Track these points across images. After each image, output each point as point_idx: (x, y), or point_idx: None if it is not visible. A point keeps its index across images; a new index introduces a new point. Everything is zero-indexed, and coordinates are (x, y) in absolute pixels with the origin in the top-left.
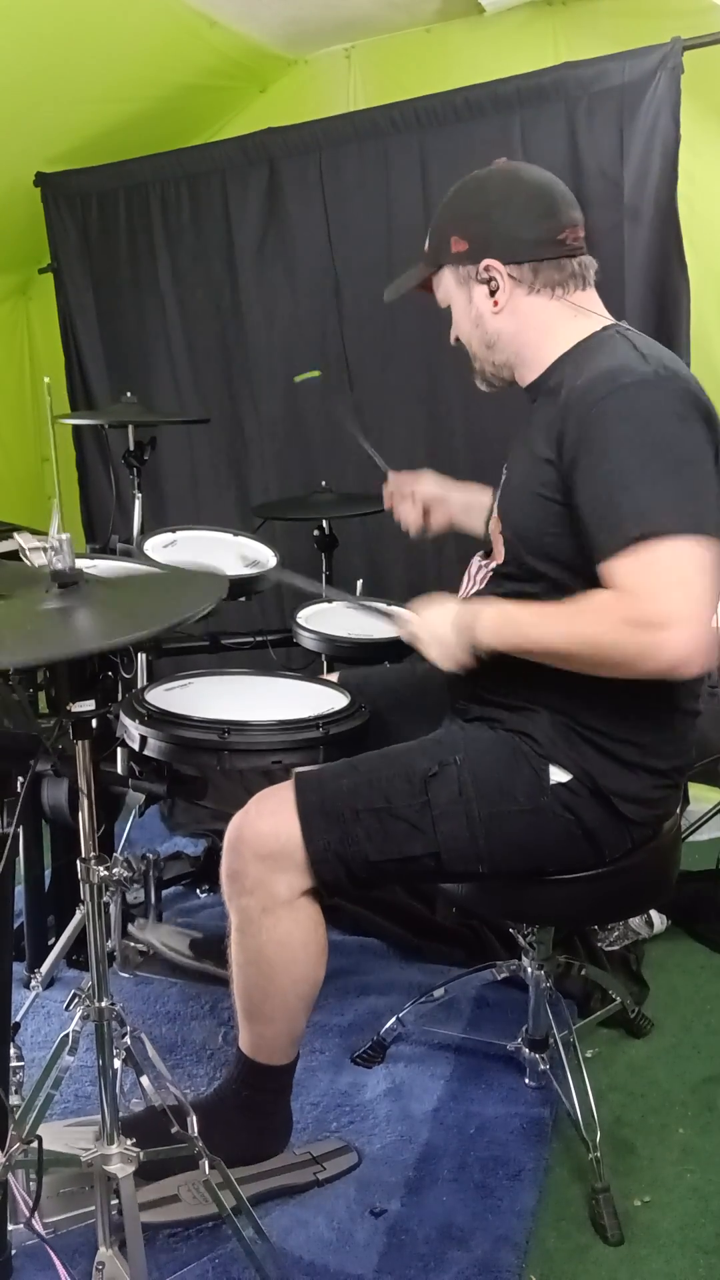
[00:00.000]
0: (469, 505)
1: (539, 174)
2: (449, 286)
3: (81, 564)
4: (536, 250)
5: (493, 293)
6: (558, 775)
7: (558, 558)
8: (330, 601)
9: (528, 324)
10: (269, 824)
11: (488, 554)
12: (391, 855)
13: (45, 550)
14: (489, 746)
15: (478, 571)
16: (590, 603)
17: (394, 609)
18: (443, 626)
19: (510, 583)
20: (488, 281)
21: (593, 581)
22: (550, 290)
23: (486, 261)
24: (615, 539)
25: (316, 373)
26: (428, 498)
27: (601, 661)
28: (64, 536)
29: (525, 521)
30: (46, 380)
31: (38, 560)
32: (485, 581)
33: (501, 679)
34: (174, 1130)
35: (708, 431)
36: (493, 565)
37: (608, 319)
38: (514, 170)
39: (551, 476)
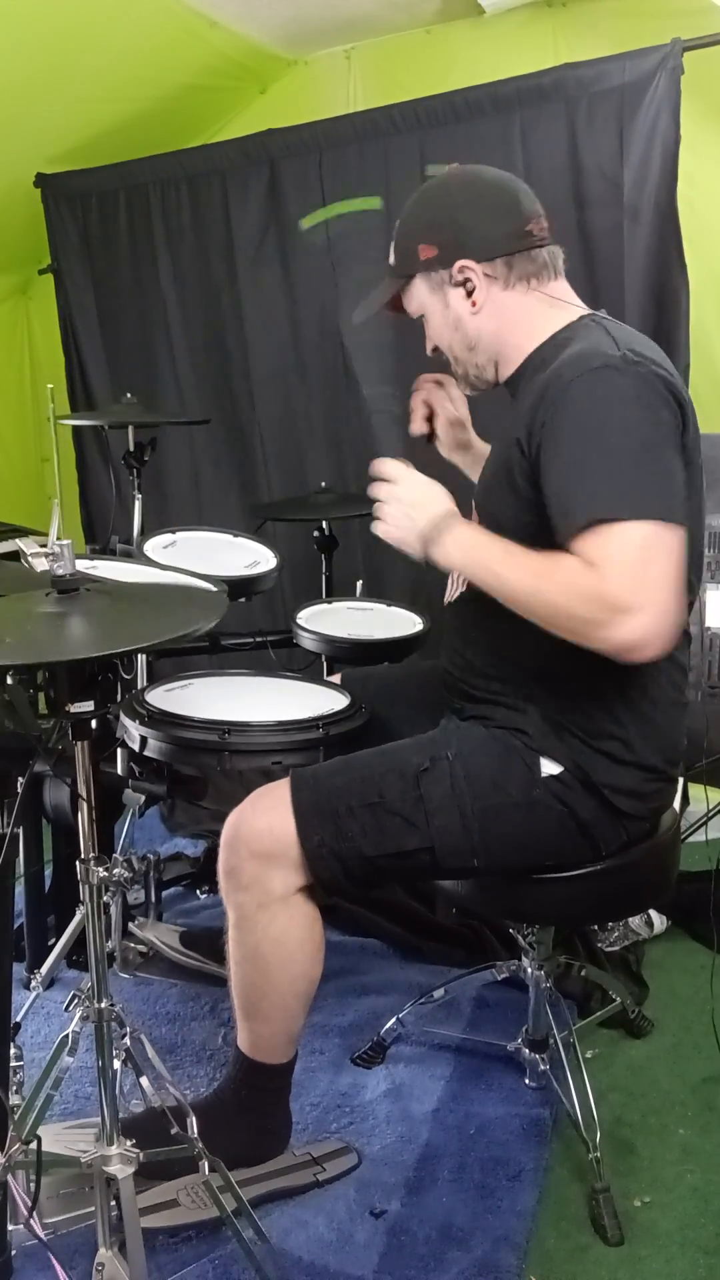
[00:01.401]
0: (479, 454)
1: (496, 172)
2: (421, 296)
3: (81, 564)
4: (508, 244)
5: (469, 294)
6: (549, 767)
7: (534, 546)
8: None
9: (508, 320)
10: (264, 821)
11: None
12: (386, 850)
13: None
14: (481, 742)
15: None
16: (560, 566)
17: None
18: (422, 507)
19: None
20: (463, 283)
21: None
22: (525, 283)
23: (460, 263)
24: (571, 524)
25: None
26: (453, 418)
27: (555, 625)
28: (65, 543)
29: (500, 510)
30: (50, 387)
31: (39, 565)
32: (466, 582)
33: (494, 678)
34: (174, 1131)
35: (675, 418)
36: None
37: (583, 308)
38: (472, 171)
39: (523, 463)
